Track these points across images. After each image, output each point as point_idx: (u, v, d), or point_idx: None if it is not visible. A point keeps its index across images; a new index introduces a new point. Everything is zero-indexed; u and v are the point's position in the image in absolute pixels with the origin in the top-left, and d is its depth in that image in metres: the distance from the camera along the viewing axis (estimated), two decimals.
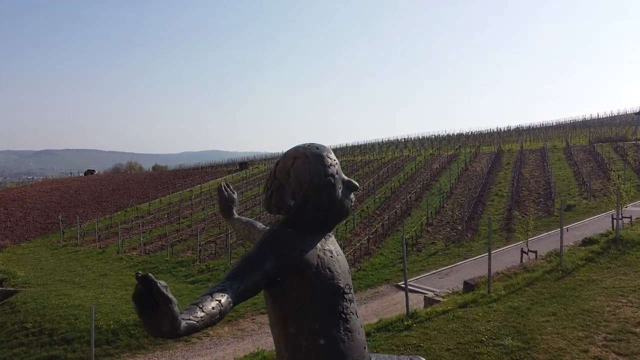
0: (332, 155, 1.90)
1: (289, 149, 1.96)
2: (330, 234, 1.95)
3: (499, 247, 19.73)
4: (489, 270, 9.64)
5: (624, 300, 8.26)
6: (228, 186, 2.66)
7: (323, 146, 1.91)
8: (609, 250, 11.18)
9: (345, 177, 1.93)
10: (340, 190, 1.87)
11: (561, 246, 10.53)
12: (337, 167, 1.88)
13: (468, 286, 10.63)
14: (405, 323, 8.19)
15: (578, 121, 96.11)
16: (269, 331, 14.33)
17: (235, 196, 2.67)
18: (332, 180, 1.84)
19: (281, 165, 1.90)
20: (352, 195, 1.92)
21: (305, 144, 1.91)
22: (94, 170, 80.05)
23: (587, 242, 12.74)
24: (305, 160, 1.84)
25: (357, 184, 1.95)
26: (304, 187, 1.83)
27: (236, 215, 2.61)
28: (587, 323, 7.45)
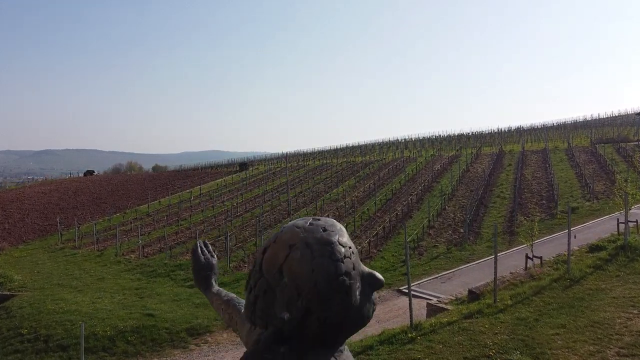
0: (346, 239, 1.23)
1: (282, 228, 1.27)
2: (342, 349, 1.28)
3: (502, 251, 19.43)
4: (495, 279, 9.35)
5: (635, 312, 7.97)
6: (206, 246, 1.97)
7: (333, 225, 1.24)
8: (617, 257, 10.89)
9: (366, 269, 1.28)
10: (358, 292, 1.23)
11: (569, 254, 10.24)
12: (353, 258, 1.23)
13: (473, 295, 10.33)
14: (409, 335, 7.90)
15: (579, 121, 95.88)
16: None
17: (215, 261, 1.95)
18: (347, 282, 1.20)
19: (270, 256, 1.23)
20: (374, 295, 1.29)
21: (306, 222, 1.24)
22: (93, 171, 79.82)
23: (594, 248, 12.44)
24: (307, 251, 1.18)
25: (382, 278, 1.31)
26: (304, 293, 1.18)
27: (215, 288, 1.89)
28: (599, 336, 7.16)
